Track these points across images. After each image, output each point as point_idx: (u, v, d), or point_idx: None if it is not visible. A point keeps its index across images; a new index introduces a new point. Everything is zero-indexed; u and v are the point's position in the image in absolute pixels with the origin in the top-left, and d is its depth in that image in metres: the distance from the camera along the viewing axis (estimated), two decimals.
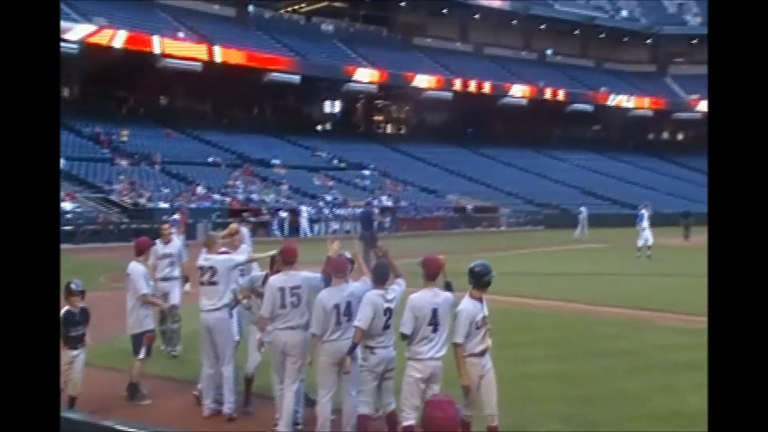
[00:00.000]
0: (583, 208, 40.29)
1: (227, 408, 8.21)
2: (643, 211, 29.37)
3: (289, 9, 61.04)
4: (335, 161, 52.43)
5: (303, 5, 61.20)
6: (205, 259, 8.47)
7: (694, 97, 70.24)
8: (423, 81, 58.66)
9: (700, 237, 39.25)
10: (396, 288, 7.15)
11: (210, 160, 45.90)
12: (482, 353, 6.70)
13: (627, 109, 68.99)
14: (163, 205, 35.90)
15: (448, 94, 59.70)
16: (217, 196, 39.96)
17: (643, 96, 69.80)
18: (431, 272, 6.81)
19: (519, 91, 63.43)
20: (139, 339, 8.88)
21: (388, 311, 6.98)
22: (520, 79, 64.46)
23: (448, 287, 6.97)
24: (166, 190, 38.78)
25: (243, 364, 8.43)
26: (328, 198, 43.84)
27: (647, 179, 61.10)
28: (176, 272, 11.09)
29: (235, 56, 49.29)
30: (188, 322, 10.66)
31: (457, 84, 59.98)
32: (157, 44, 45.38)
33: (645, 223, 28.10)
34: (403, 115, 69.78)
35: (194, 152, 46.84)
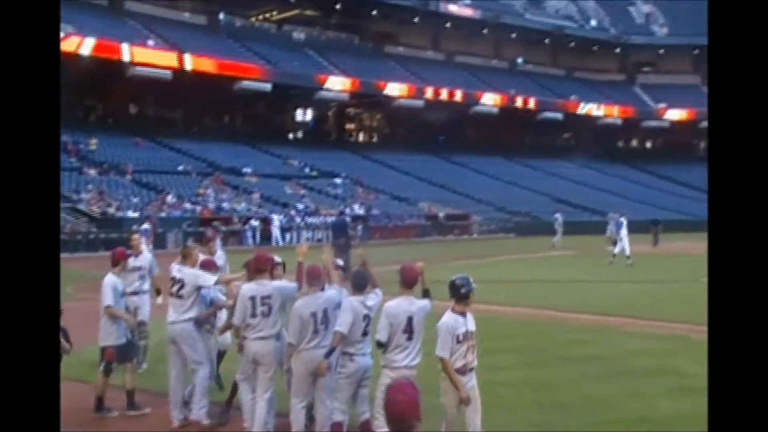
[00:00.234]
0: (558, 215, 40.60)
1: (195, 416, 8.12)
2: (622, 219, 29.84)
3: (261, 17, 60.83)
4: (307, 170, 52.32)
5: (274, 13, 61.05)
6: (178, 270, 8.40)
7: (662, 105, 71.33)
8: (395, 89, 58.83)
9: (668, 244, 39.59)
10: (374, 297, 7.17)
11: (180, 168, 45.55)
12: (463, 370, 6.49)
13: (597, 118, 69.69)
14: (132, 214, 35.56)
15: (419, 102, 59.88)
16: (187, 205, 39.67)
17: (613, 104, 70.58)
18: (408, 280, 6.81)
19: (490, 100, 63.84)
20: (103, 352, 8.78)
21: (366, 318, 7.01)
22: (491, 88, 64.90)
23: (426, 295, 6.99)
24: (136, 199, 38.40)
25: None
26: (300, 206, 43.71)
27: (617, 187, 61.78)
28: (146, 286, 10.88)
29: (206, 64, 49.02)
30: (158, 333, 10.54)
31: (429, 92, 60.22)
32: (127, 52, 44.94)
33: (624, 231, 28.51)
34: (375, 123, 69.85)
35: (164, 161, 46.45)
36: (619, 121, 70.83)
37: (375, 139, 69.23)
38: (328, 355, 6.99)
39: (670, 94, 70.45)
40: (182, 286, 8.26)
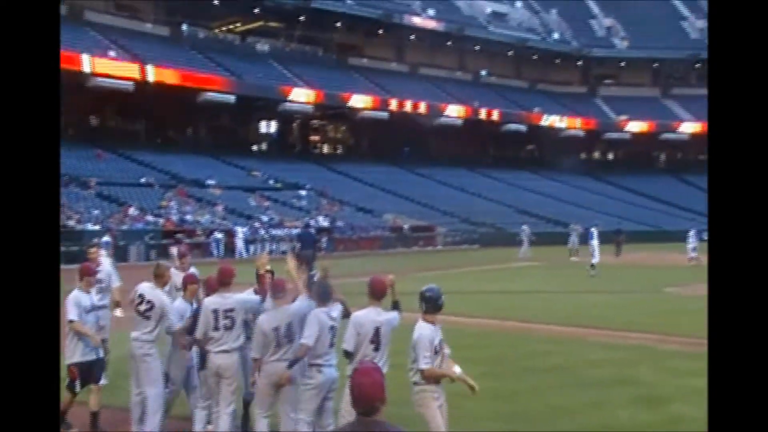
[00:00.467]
0: (525, 227, 40.93)
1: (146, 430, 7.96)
2: (593, 229, 30.44)
3: (224, 29, 60.56)
4: (271, 181, 52.06)
5: (238, 25, 60.83)
6: (150, 290, 8.20)
7: (623, 117, 72.36)
8: (359, 101, 58.90)
9: (630, 254, 40.01)
10: (338, 307, 7.20)
11: (143, 180, 45.00)
12: (438, 380, 6.59)
13: (559, 129, 70.48)
14: (93, 227, 35.03)
15: (384, 114, 60.06)
16: (150, 218, 39.17)
17: (575, 116, 71.51)
18: (377, 292, 6.85)
19: (454, 111, 64.23)
20: (67, 369, 8.59)
21: (332, 329, 7.02)
22: (455, 100, 65.28)
23: (395, 307, 7.02)
24: (97, 212, 37.83)
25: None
26: (264, 218, 43.50)
27: (580, 198, 62.43)
28: (106, 300, 10.61)
29: (169, 76, 48.64)
30: (119, 347, 10.36)
31: (393, 104, 60.43)
32: (87, 63, 44.35)
33: (595, 241, 29.03)
34: (340, 135, 69.85)
35: (126, 173, 45.85)
36: (581, 133, 71.72)
37: (339, 151, 69.24)
38: (291, 366, 6.97)
39: (631, 107, 71.59)
40: (151, 308, 8.10)
